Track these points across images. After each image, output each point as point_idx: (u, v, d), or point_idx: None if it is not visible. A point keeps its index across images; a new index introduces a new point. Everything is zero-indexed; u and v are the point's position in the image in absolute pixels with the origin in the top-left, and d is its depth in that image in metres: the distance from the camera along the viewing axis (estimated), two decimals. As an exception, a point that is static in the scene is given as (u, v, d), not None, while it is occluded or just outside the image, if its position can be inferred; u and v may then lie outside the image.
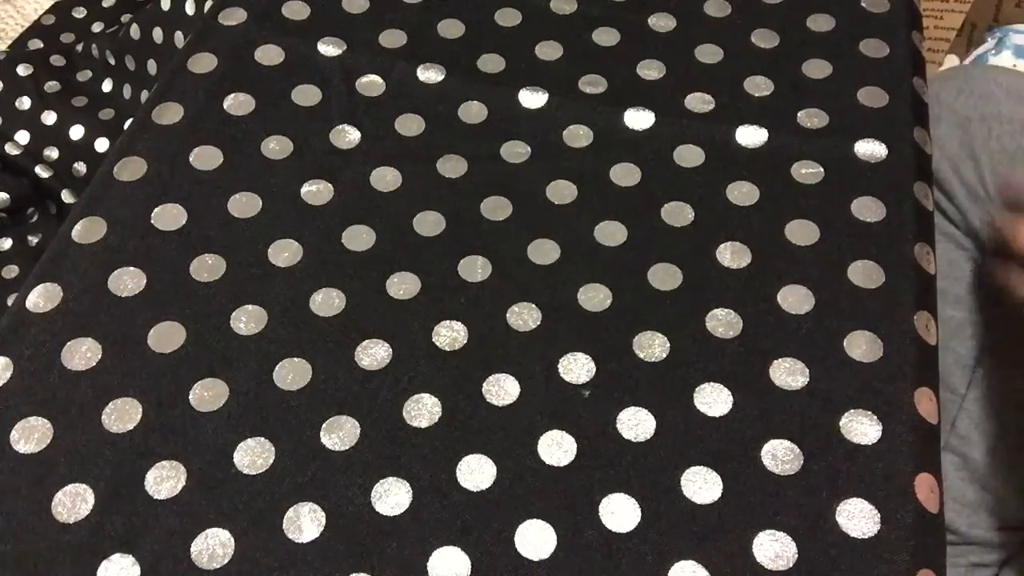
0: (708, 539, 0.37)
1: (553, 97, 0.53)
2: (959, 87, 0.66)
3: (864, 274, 0.45)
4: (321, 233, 0.47)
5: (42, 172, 0.84)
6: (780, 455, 0.39)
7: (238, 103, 0.51)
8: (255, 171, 0.49)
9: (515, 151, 0.50)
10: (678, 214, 0.48)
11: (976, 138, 0.62)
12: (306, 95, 0.52)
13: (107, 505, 0.38)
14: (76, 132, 0.85)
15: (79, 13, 1.01)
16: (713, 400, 0.41)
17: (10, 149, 0.83)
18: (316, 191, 0.48)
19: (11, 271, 0.80)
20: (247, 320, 0.43)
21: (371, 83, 0.53)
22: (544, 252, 0.46)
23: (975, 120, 0.63)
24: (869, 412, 0.40)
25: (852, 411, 0.40)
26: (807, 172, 0.49)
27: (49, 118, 0.85)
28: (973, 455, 0.58)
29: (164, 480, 0.38)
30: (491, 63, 0.54)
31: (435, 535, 0.37)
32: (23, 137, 0.84)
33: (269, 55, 0.54)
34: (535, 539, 0.37)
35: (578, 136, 0.51)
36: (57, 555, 0.36)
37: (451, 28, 0.56)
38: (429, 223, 0.47)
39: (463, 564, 0.37)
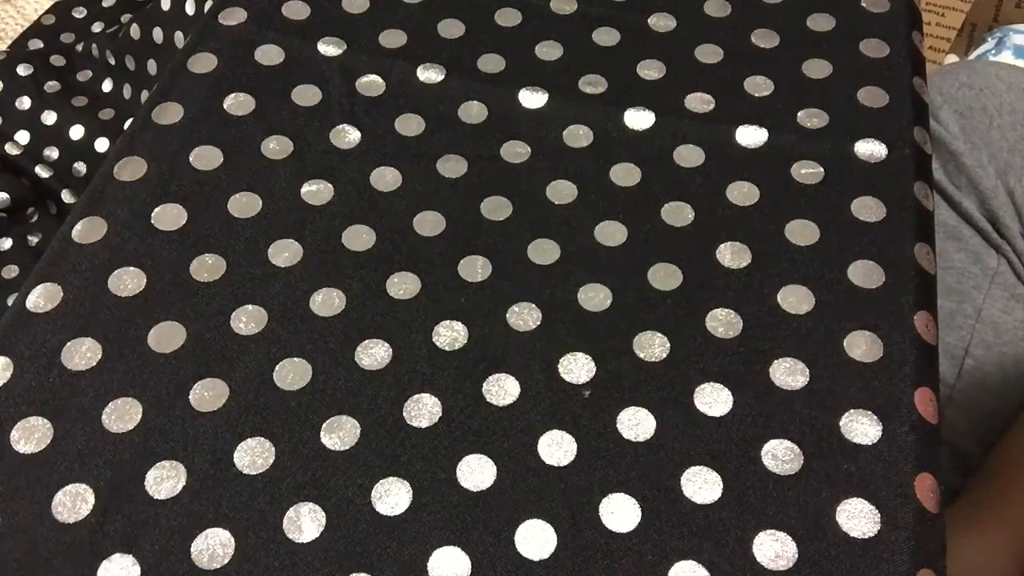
0: (708, 539, 0.37)
1: (553, 97, 0.52)
2: (961, 80, 0.66)
3: (864, 274, 0.45)
4: (321, 233, 0.47)
5: (42, 172, 0.84)
6: (780, 455, 0.39)
7: (238, 103, 0.51)
8: (255, 171, 0.49)
9: (515, 151, 0.50)
10: (678, 214, 0.48)
11: (976, 128, 0.63)
12: (306, 95, 0.52)
13: (107, 505, 0.38)
14: (76, 132, 0.85)
15: (79, 13, 1.01)
16: (713, 400, 0.41)
17: (10, 149, 0.83)
18: (316, 191, 0.48)
19: (11, 271, 0.80)
20: (247, 320, 0.43)
21: (371, 83, 0.53)
22: (544, 252, 0.46)
23: (976, 110, 0.64)
24: (869, 412, 0.40)
25: (852, 411, 0.40)
26: (807, 172, 0.49)
27: (49, 118, 0.85)
28: (962, 445, 0.58)
29: (164, 480, 0.38)
30: (491, 63, 0.54)
31: (435, 535, 0.37)
32: (23, 137, 0.84)
33: (269, 55, 0.54)
34: (535, 539, 0.37)
35: (578, 136, 0.51)
36: (57, 555, 0.36)
37: (451, 28, 0.56)
38: (429, 223, 0.47)
39: (463, 564, 0.37)
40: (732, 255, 0.46)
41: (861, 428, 0.40)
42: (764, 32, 0.56)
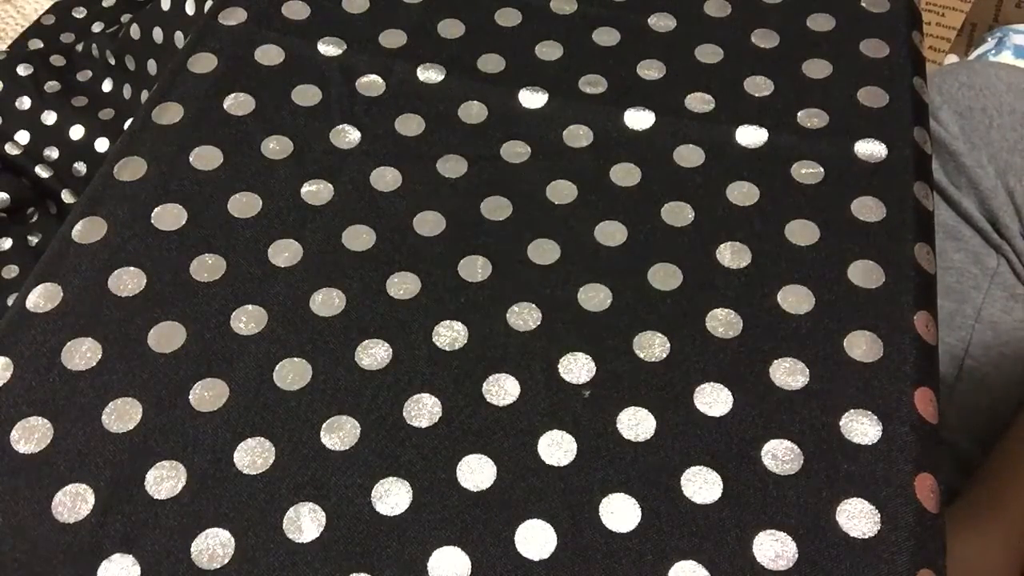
0: (708, 539, 0.37)
1: (553, 97, 0.52)
2: (961, 80, 0.66)
3: (864, 274, 0.45)
4: (321, 233, 0.47)
5: (42, 172, 0.84)
6: (780, 455, 0.39)
7: (238, 103, 0.51)
8: (255, 171, 0.49)
9: (515, 151, 0.50)
10: (678, 214, 0.48)
11: (976, 128, 0.63)
12: (306, 95, 0.52)
13: (107, 505, 0.38)
14: (76, 132, 0.85)
15: (79, 13, 1.01)
16: (713, 400, 0.41)
17: (10, 149, 0.83)
18: (316, 191, 0.48)
19: (11, 271, 0.80)
20: (247, 320, 0.43)
21: (371, 83, 0.53)
22: (544, 252, 0.46)
23: (976, 111, 0.64)
24: (869, 412, 0.40)
25: (852, 411, 0.40)
26: (807, 172, 0.49)
27: (49, 118, 0.85)
28: (962, 445, 0.58)
29: (164, 480, 0.38)
30: (491, 63, 0.54)
31: (435, 535, 0.37)
32: (23, 137, 0.84)
33: (269, 55, 0.54)
34: (535, 539, 0.37)
35: (578, 136, 0.51)
36: (57, 555, 0.36)
37: (451, 28, 0.56)
38: (429, 223, 0.47)
39: (463, 564, 0.37)
40: (732, 255, 0.46)
41: (861, 428, 0.40)
42: (764, 32, 0.56)
